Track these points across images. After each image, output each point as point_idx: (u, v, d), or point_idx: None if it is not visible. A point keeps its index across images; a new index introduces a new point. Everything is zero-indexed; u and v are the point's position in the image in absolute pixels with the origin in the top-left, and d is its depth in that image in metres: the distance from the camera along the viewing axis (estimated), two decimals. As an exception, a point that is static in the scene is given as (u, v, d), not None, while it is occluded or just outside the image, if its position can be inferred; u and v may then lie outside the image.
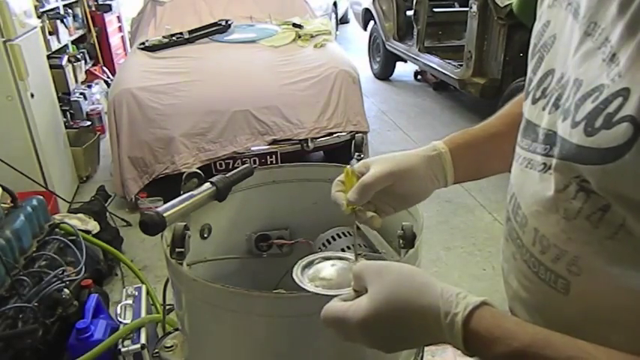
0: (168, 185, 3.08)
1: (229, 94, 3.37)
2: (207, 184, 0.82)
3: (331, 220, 0.98)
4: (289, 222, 1.10)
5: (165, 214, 0.71)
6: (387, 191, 0.74)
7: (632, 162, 0.43)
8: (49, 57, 3.83)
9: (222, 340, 0.82)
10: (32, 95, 2.99)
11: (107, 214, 2.89)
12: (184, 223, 0.83)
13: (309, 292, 0.67)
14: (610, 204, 0.48)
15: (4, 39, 2.79)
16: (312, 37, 4.07)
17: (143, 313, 1.54)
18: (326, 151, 3.81)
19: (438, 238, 3.05)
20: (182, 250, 0.82)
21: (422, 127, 4.81)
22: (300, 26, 4.19)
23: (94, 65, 5.47)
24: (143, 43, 4.03)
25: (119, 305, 1.57)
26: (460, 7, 5.46)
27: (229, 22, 4.23)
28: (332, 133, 3.48)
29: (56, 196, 2.91)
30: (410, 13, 5.32)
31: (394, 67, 6.32)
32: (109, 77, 5.43)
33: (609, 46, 0.47)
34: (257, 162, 3.35)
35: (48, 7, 4.59)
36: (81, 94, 4.69)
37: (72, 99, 4.50)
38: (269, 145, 3.39)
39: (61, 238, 1.86)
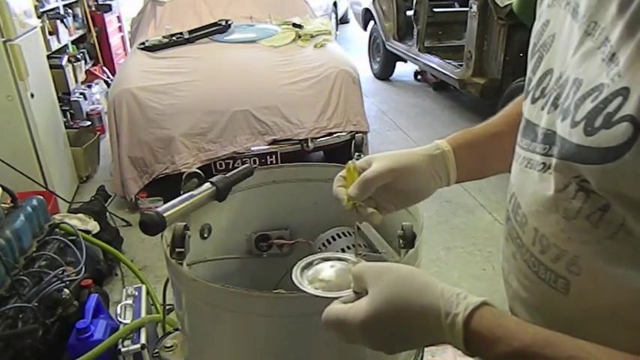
0: (168, 185, 3.07)
1: (229, 94, 3.37)
2: (207, 184, 0.82)
3: (331, 220, 0.98)
4: (289, 222, 1.10)
5: (165, 214, 0.71)
6: (388, 188, 0.74)
7: (632, 161, 0.43)
8: (49, 57, 3.83)
9: (222, 340, 0.81)
10: (32, 95, 2.99)
11: (107, 214, 2.89)
12: (184, 223, 0.83)
13: (308, 294, 0.67)
14: (610, 204, 0.48)
15: (4, 39, 2.79)
16: (312, 37, 4.07)
17: (143, 313, 1.54)
18: (326, 151, 3.81)
19: (437, 238, 3.04)
20: (182, 250, 0.82)
21: (422, 127, 4.81)
22: (300, 26, 4.19)
23: (94, 65, 5.47)
24: (143, 43, 4.03)
25: (119, 305, 1.57)
26: (460, 7, 5.46)
27: (229, 22, 4.22)
28: (332, 133, 3.48)
29: (56, 196, 2.91)
30: (410, 13, 5.32)
31: (394, 67, 6.31)
32: (109, 77, 5.43)
33: (609, 45, 0.47)
34: (257, 162, 3.35)
35: (48, 7, 4.59)
36: (81, 94, 4.69)
37: (72, 99, 4.50)
38: (269, 145, 3.39)
39: (61, 238, 1.86)
